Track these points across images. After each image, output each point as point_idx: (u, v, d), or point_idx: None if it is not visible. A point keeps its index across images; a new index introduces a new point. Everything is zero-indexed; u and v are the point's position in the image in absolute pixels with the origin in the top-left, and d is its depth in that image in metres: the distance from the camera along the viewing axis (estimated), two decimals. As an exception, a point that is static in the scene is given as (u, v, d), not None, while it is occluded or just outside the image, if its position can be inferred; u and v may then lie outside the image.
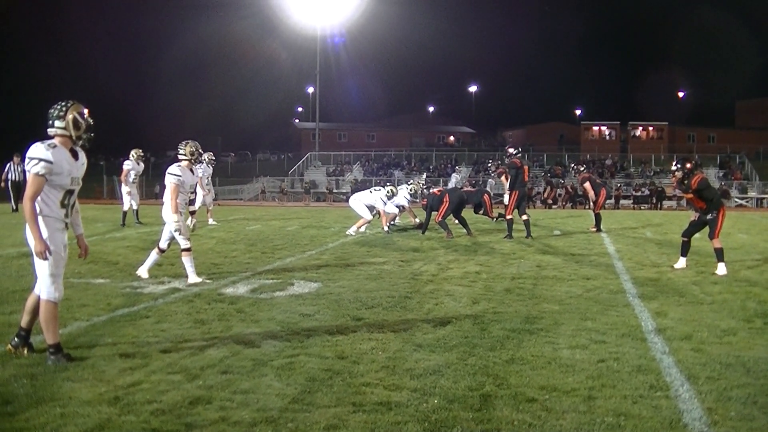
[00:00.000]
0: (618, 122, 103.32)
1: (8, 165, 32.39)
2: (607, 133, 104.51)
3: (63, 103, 7.00)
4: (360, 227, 20.91)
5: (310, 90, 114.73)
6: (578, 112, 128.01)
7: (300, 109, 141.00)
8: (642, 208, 50.79)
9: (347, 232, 20.77)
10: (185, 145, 11.88)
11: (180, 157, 11.88)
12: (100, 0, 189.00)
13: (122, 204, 24.41)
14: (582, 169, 26.27)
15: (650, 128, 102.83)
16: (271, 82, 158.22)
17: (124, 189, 24.08)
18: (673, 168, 13.13)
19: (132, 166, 23.89)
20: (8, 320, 8.41)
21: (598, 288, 11.07)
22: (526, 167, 20.70)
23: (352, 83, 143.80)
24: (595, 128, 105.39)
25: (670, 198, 51.78)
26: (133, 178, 23.92)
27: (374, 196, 21.73)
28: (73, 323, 8.27)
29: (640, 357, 6.96)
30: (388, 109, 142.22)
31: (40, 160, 6.63)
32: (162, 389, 5.80)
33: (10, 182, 32.24)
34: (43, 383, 5.95)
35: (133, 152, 24.16)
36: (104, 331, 7.86)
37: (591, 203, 23.92)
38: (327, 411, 5.37)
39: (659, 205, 51.45)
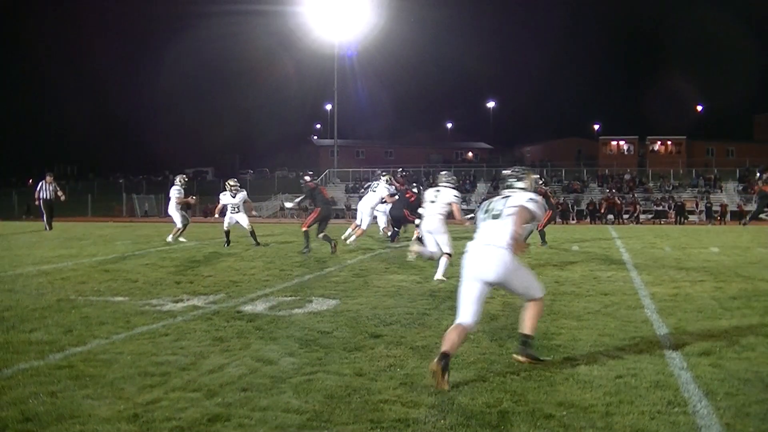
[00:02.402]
0: (636, 137, 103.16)
1: (41, 184, 32.56)
2: (625, 147, 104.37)
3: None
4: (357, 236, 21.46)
5: (328, 107, 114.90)
6: (596, 127, 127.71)
7: (318, 126, 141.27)
8: (661, 222, 50.60)
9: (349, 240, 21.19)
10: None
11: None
12: (120, 21, 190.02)
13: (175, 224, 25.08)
14: (546, 186, 27.01)
15: (669, 142, 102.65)
16: (289, 99, 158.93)
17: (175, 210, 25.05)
18: (758, 176, 13.30)
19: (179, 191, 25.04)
20: (28, 338, 8.46)
21: (616, 304, 11.02)
22: (549, 193, 21.66)
23: (369, 100, 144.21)
24: (614, 143, 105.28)
25: (692, 212, 51.77)
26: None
27: (379, 190, 22.42)
28: (93, 341, 8.30)
29: (658, 373, 6.94)
30: (406, 125, 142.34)
31: None
32: (181, 407, 5.82)
33: (42, 201, 32.37)
34: (63, 400, 5.98)
35: (179, 178, 25.53)
36: (123, 349, 7.89)
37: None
38: (345, 428, 5.38)
39: (681, 220, 51.29)
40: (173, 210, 25.05)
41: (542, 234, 23.88)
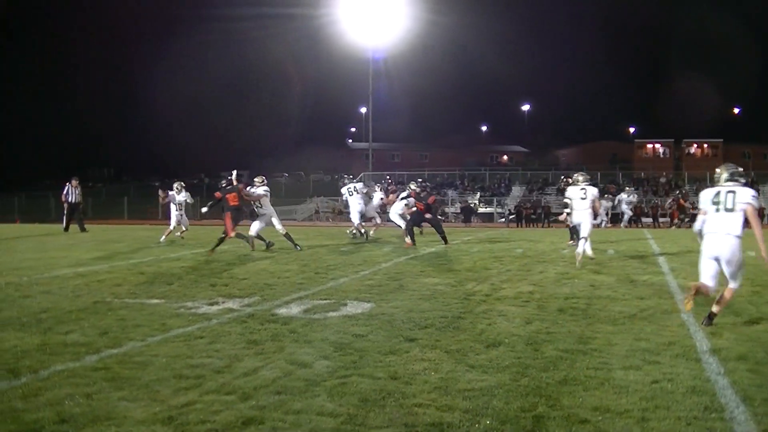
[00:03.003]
0: (672, 140, 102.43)
1: (67, 187, 32.88)
2: (660, 150, 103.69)
3: None
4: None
5: (363, 110, 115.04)
6: (632, 130, 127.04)
7: (353, 129, 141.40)
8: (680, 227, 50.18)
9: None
10: None
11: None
12: (155, 25, 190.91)
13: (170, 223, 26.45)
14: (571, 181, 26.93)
15: (705, 145, 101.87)
16: (324, 102, 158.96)
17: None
18: None
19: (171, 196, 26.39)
20: (64, 340, 8.52)
21: (652, 308, 10.93)
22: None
23: (404, 103, 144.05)
24: (649, 146, 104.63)
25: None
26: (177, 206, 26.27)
27: (377, 196, 23.96)
28: (128, 343, 8.34)
29: (695, 378, 6.87)
30: (441, 128, 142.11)
31: None
32: (215, 409, 5.83)
33: (68, 204, 32.74)
34: (98, 402, 6.01)
35: (175, 185, 26.69)
36: (158, 351, 7.92)
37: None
38: (379, 432, 5.38)
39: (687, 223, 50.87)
40: (173, 212, 26.40)
41: (573, 231, 24.14)
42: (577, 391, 6.43)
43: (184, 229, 26.67)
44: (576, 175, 19.82)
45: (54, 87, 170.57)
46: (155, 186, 26.82)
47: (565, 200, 20.05)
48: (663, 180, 72.51)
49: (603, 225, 38.65)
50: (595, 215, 21.14)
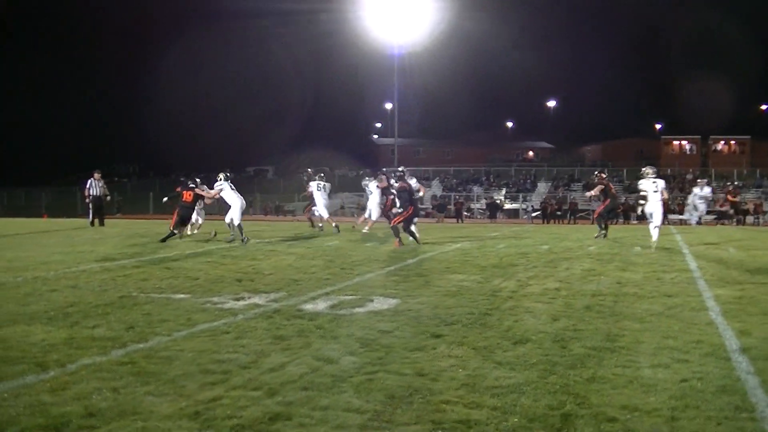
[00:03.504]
0: (698, 136, 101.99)
1: (89, 181, 33.02)
2: (687, 147, 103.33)
3: None
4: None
5: (388, 106, 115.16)
6: (658, 126, 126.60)
7: (378, 124, 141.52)
8: (725, 223, 49.90)
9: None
10: None
11: None
12: (179, 20, 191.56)
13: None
14: (604, 176, 29.15)
15: (732, 142, 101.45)
16: (350, 98, 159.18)
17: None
18: None
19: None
20: (91, 334, 8.54)
21: (679, 306, 10.84)
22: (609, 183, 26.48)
23: (429, 99, 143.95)
24: (675, 143, 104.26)
25: (750, 213, 51.11)
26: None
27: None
28: (154, 338, 8.35)
29: (724, 377, 6.79)
30: (466, 124, 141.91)
31: None
32: (242, 405, 5.82)
33: (92, 198, 32.89)
34: (125, 396, 6.02)
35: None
36: (184, 346, 7.92)
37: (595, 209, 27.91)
38: (406, 429, 5.34)
39: (742, 221, 50.61)
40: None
41: (599, 222, 26.74)
42: (605, 389, 6.38)
43: (200, 222, 26.78)
44: (646, 168, 23.45)
45: (81, 84, 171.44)
46: (180, 181, 26.97)
47: (641, 193, 23.38)
48: (690, 177, 72.15)
49: (696, 221, 38.40)
50: (665, 205, 24.24)
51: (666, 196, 22.95)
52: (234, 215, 23.12)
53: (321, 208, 29.36)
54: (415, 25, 77.10)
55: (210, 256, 18.15)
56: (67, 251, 19.45)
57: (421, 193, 23.93)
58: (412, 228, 22.07)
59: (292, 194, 71.47)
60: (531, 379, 6.68)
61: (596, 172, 31.51)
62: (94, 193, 33.03)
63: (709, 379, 6.71)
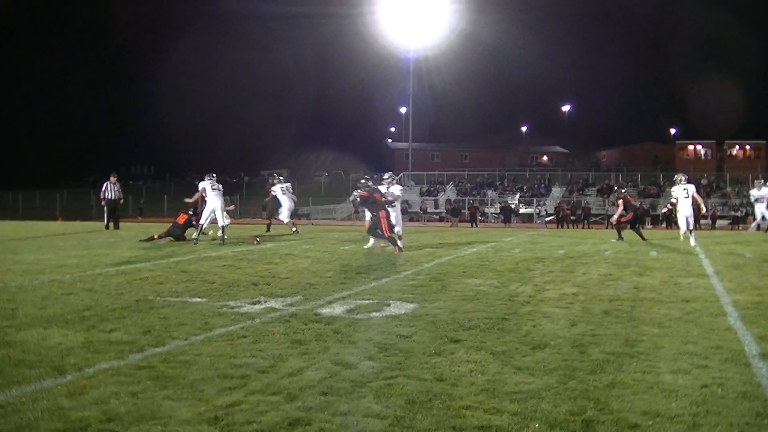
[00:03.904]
0: (713, 141, 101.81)
1: (105, 184, 33.11)
2: (702, 152, 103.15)
3: None
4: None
5: (403, 110, 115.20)
6: (673, 131, 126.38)
7: (393, 129, 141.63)
8: (739, 228, 49.75)
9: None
10: None
11: None
12: (196, 25, 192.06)
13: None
14: (623, 191, 30.27)
15: (747, 147, 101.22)
16: (364, 102, 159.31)
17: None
18: None
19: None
20: (108, 338, 8.54)
21: (697, 311, 10.78)
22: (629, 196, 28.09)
23: (444, 103, 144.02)
24: (690, 147, 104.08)
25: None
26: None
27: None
28: (172, 342, 8.34)
29: (745, 383, 6.73)
30: (481, 128, 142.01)
31: None
32: (261, 410, 5.79)
33: (107, 201, 32.98)
34: (143, 401, 6.00)
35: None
36: (202, 351, 7.90)
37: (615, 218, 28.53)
38: (427, 434, 5.31)
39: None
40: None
41: (618, 229, 27.77)
42: (626, 394, 6.33)
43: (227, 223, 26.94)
44: (677, 176, 26.58)
45: (97, 86, 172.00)
46: (196, 184, 27.09)
47: (672, 200, 26.30)
48: (705, 182, 72.05)
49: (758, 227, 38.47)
50: (698, 207, 26.25)
51: (699, 200, 25.76)
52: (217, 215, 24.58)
53: (284, 211, 30.23)
54: (430, 29, 77.26)
55: (225, 260, 18.15)
56: (83, 254, 19.47)
57: (395, 204, 23.61)
58: (378, 232, 21.89)
59: (306, 198, 71.61)
60: (551, 384, 6.64)
61: (616, 188, 32.96)
62: (110, 197, 33.11)
63: (730, 385, 6.66)
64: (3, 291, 12.30)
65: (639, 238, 26.81)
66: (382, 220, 21.16)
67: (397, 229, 22.62)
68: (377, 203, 21.69)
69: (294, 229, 29.94)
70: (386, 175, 24.33)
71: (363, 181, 23.05)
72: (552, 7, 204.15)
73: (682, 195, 25.15)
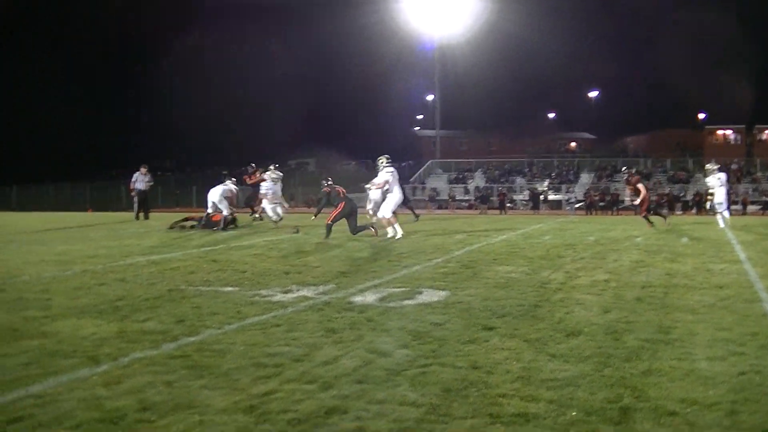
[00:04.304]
0: (743, 126, 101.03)
1: (135, 175, 33.25)
2: (732, 137, 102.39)
3: None
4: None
5: (430, 98, 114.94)
6: (701, 116, 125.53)
7: (420, 116, 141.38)
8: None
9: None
10: None
11: None
12: (218, 17, 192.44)
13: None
14: (633, 171, 31.16)
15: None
16: (392, 90, 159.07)
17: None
18: None
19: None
20: (141, 327, 8.56)
21: (731, 297, 10.69)
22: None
23: (471, 90, 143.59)
24: (720, 132, 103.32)
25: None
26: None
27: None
28: (205, 331, 8.35)
29: (783, 371, 6.69)
30: (508, 116, 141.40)
31: None
32: (297, 398, 5.78)
33: (137, 192, 33.13)
34: (179, 390, 6.00)
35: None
36: (236, 339, 7.90)
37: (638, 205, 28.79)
38: (464, 422, 5.28)
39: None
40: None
41: (647, 218, 27.55)
42: (662, 382, 6.28)
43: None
44: (709, 165, 29.16)
45: (124, 78, 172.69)
46: (224, 175, 27.14)
47: (710, 191, 28.45)
48: (735, 167, 71.41)
49: None
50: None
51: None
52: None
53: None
54: (457, 16, 77.00)
55: (256, 249, 18.20)
56: (114, 245, 19.58)
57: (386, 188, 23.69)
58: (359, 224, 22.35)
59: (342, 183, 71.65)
60: (586, 371, 6.60)
61: (624, 169, 33.15)
62: (139, 187, 33.25)
63: (768, 372, 6.60)
64: (36, 281, 12.39)
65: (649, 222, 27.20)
66: (336, 209, 21.99)
67: (380, 214, 22.86)
68: (339, 196, 22.35)
69: (256, 215, 30.50)
70: (379, 160, 24.40)
71: (325, 182, 23.66)
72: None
73: (717, 184, 27.24)
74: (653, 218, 27.35)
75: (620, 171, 72.78)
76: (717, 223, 27.35)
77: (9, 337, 8.05)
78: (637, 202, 27.53)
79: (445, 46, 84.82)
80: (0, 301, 10.50)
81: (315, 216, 24.54)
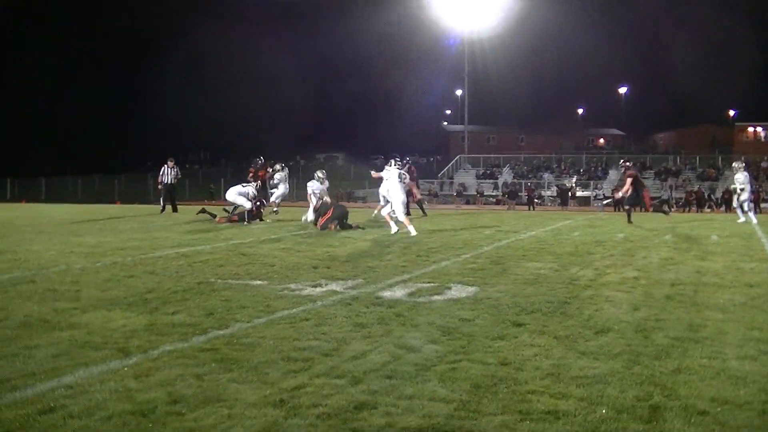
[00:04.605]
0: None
1: (163, 168, 33.32)
2: (762, 134, 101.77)
3: None
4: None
5: (459, 92, 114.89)
6: (732, 113, 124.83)
7: (448, 111, 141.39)
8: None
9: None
10: None
11: None
12: (250, 15, 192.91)
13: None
14: (629, 165, 32.04)
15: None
16: (420, 85, 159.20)
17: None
18: None
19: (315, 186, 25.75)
20: (171, 320, 8.59)
21: (762, 296, 10.61)
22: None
23: (500, 85, 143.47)
24: (750, 129, 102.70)
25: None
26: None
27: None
28: (235, 324, 8.37)
29: (816, 371, 6.63)
30: (537, 111, 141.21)
31: None
32: (326, 393, 5.79)
33: (164, 185, 33.23)
34: (209, 383, 6.02)
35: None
36: (265, 333, 7.92)
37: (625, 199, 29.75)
38: (494, 419, 5.26)
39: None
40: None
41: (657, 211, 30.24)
42: (693, 380, 6.25)
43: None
44: (735, 163, 30.20)
45: (154, 75, 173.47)
46: (260, 164, 27.27)
47: (740, 186, 28.76)
48: (765, 164, 70.93)
49: None
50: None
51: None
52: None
53: (277, 196, 30.68)
54: (487, 11, 76.93)
55: (284, 242, 18.23)
56: (143, 237, 19.66)
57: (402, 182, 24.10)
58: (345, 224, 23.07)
59: (362, 180, 71.71)
60: (616, 369, 6.57)
61: (621, 162, 33.92)
62: (166, 181, 33.32)
63: (800, 372, 6.55)
64: (67, 273, 12.46)
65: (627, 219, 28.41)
66: (325, 215, 23.10)
67: (386, 209, 22.81)
68: (327, 204, 23.88)
69: (275, 210, 30.20)
70: (392, 163, 24.67)
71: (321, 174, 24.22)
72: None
73: (747, 181, 28.45)
74: (649, 215, 28.53)
75: (649, 168, 72.73)
76: (739, 218, 29.01)
77: (40, 328, 8.11)
78: (619, 195, 28.74)
79: (475, 41, 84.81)
80: (31, 292, 10.56)
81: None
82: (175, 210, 33.18)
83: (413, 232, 20.62)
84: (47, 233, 21.19)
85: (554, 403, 5.61)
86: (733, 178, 30.06)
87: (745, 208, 28.96)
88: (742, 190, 28.33)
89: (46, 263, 13.73)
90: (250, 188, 26.56)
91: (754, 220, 27.73)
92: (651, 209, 29.72)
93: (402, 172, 23.81)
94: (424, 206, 33.18)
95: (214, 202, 58.73)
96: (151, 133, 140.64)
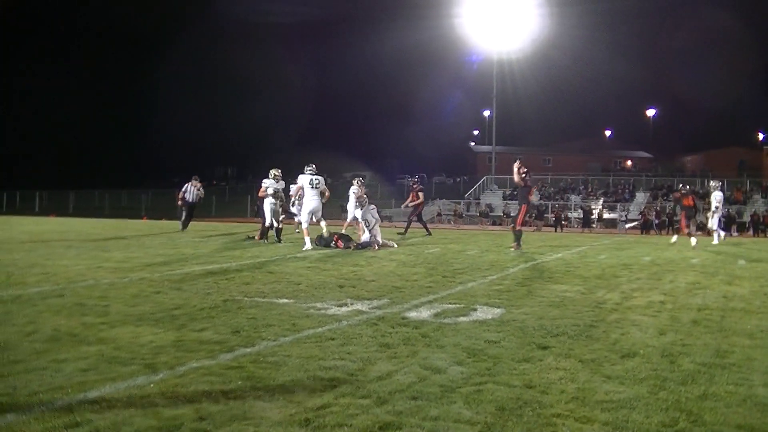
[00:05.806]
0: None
1: (186, 186, 33.41)
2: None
3: None
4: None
5: (486, 113, 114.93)
6: (761, 136, 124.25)
7: (476, 132, 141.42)
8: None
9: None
10: None
11: None
12: (279, 29, 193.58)
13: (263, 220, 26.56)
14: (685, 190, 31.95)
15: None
16: (448, 105, 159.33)
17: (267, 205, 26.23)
18: None
19: (269, 183, 26.25)
20: (199, 337, 8.62)
21: (790, 323, 10.58)
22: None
23: (528, 107, 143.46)
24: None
25: None
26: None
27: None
28: (261, 342, 8.39)
29: None
30: (564, 132, 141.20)
31: None
32: (351, 413, 5.80)
33: (186, 203, 33.28)
34: (235, 401, 6.04)
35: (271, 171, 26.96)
36: (291, 352, 7.93)
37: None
38: (519, 442, 5.28)
39: None
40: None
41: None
42: (719, 407, 6.21)
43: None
44: (713, 182, 32.88)
45: (183, 90, 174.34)
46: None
47: (716, 204, 29.75)
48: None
49: None
50: None
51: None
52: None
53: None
54: (516, 32, 77.05)
55: (310, 261, 18.27)
56: (170, 253, 19.77)
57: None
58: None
59: (389, 200, 71.68)
60: (641, 394, 6.55)
61: (680, 186, 34.82)
62: (189, 198, 33.33)
63: (829, 401, 6.51)
64: (95, 288, 12.53)
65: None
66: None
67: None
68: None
69: (297, 230, 30.04)
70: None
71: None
72: (637, 11, 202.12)
73: (722, 200, 31.00)
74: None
75: (676, 191, 72.56)
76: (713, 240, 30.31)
77: (68, 343, 8.17)
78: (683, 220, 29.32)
79: (504, 62, 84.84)
80: (60, 306, 10.63)
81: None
82: (184, 227, 33.11)
83: (308, 245, 21.68)
84: (76, 247, 21.37)
85: (579, 427, 5.61)
86: (711, 197, 31.38)
87: (715, 226, 30.30)
88: (717, 208, 29.28)
89: (75, 277, 13.83)
90: (269, 182, 26.28)
91: (717, 240, 29.58)
92: (687, 232, 29.62)
93: (313, 177, 24.00)
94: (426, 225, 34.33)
95: (237, 219, 58.89)
96: (179, 148, 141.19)
